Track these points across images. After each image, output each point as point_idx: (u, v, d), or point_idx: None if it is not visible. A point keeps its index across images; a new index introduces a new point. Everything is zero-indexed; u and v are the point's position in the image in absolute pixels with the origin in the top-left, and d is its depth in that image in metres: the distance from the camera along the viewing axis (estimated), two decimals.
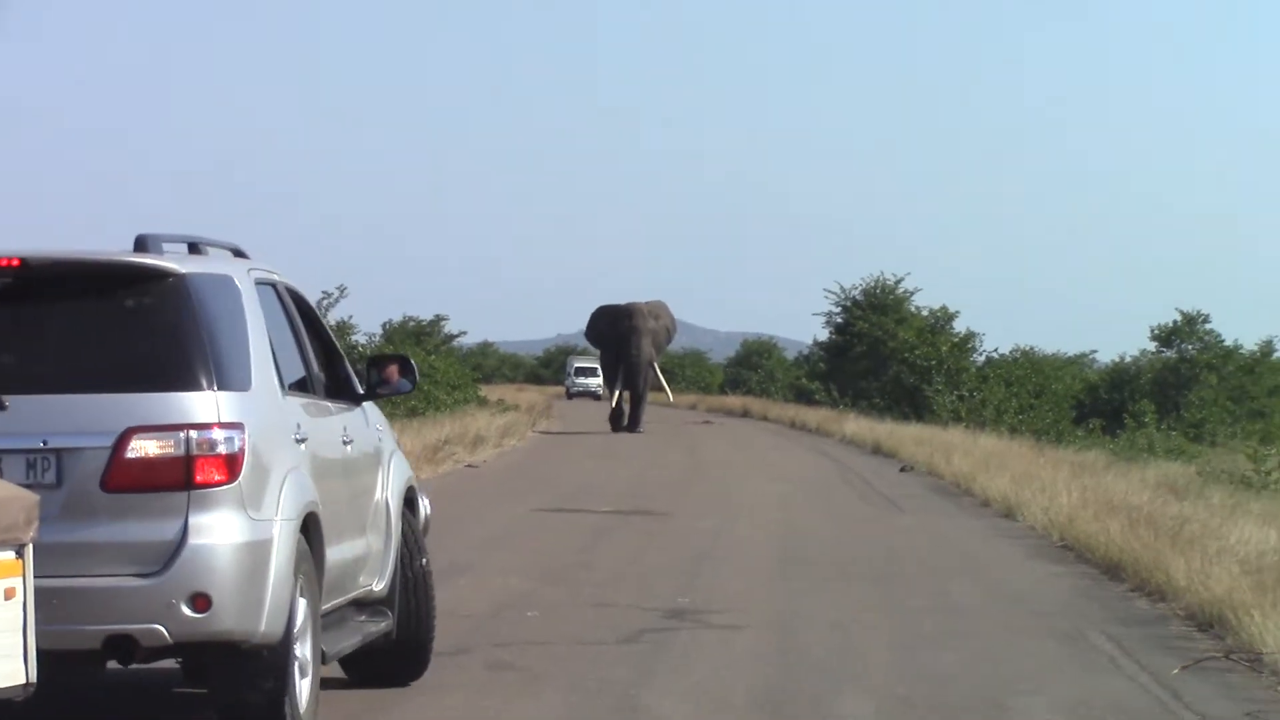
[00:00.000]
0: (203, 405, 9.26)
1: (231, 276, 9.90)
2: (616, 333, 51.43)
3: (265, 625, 9.29)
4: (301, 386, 10.51)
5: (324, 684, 10.69)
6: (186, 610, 9.11)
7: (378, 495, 11.46)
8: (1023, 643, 13.94)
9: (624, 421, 51.36)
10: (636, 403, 51.85)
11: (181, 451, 9.20)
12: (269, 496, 9.52)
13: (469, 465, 35.37)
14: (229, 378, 9.47)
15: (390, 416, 47.15)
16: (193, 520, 9.19)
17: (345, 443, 10.88)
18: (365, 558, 11.17)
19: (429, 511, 12.44)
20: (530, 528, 22.59)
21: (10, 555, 8.26)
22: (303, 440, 10.00)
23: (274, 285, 10.56)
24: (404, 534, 11.62)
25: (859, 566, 18.89)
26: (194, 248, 10.06)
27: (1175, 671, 12.49)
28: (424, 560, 11.75)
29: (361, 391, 11.46)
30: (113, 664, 9.56)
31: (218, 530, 9.22)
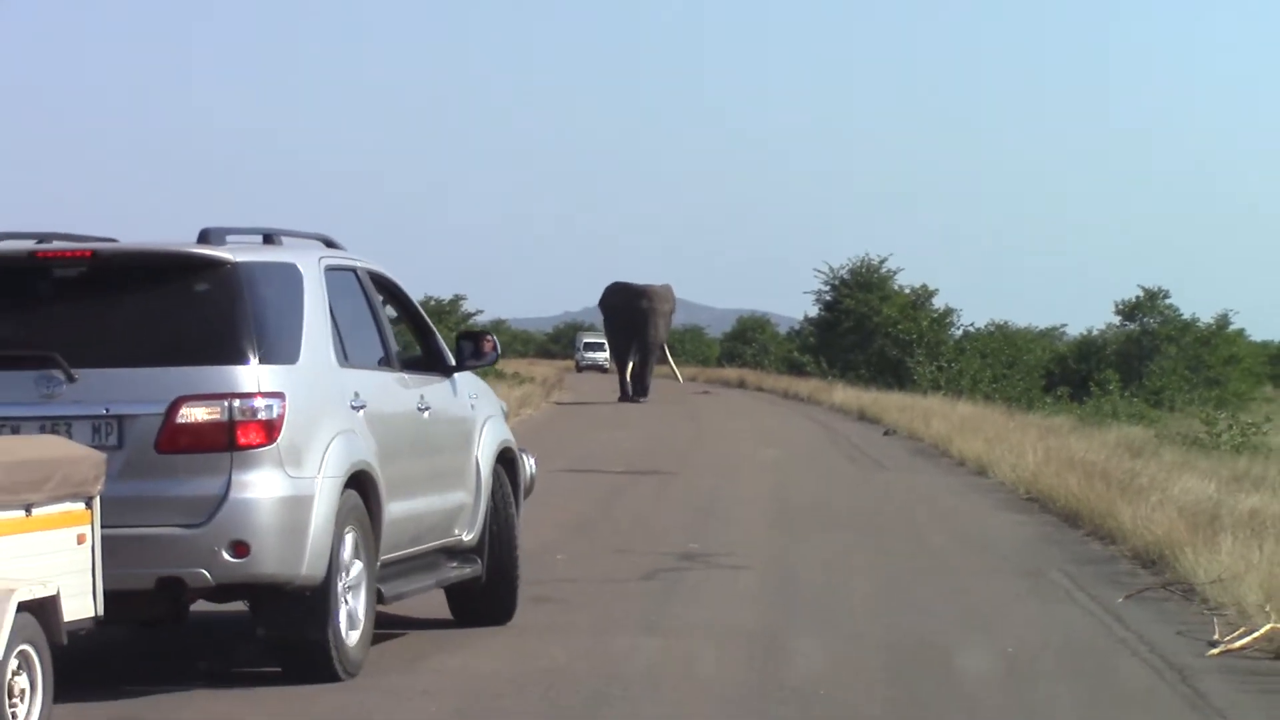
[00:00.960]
0: (245, 377, 9.82)
1: (295, 264, 10.46)
2: (632, 311, 51.89)
3: (306, 569, 9.84)
4: (375, 360, 11.07)
5: (416, 623, 11.76)
6: (227, 556, 9.67)
7: (468, 455, 11.91)
8: (990, 579, 15.00)
9: (630, 392, 52.10)
10: (644, 376, 52.62)
11: (225, 417, 9.74)
12: (311, 456, 10.01)
13: None
14: (273, 352, 9.99)
15: None
16: (235, 477, 9.74)
17: (422, 409, 11.34)
18: (451, 510, 11.69)
19: (533, 471, 13.05)
20: (553, 486, 23.52)
21: (81, 506, 8.84)
22: (361, 407, 10.49)
23: (355, 271, 11.15)
24: (493, 490, 12.06)
25: (846, 518, 19.93)
26: (269, 239, 10.68)
27: (1120, 600, 13.56)
28: (511, 513, 12.17)
29: (453, 364, 11.92)
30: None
31: (258, 486, 9.76)
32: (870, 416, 43.59)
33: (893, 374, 63.17)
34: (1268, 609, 11.80)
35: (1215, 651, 11.36)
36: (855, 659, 11.26)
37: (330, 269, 10.79)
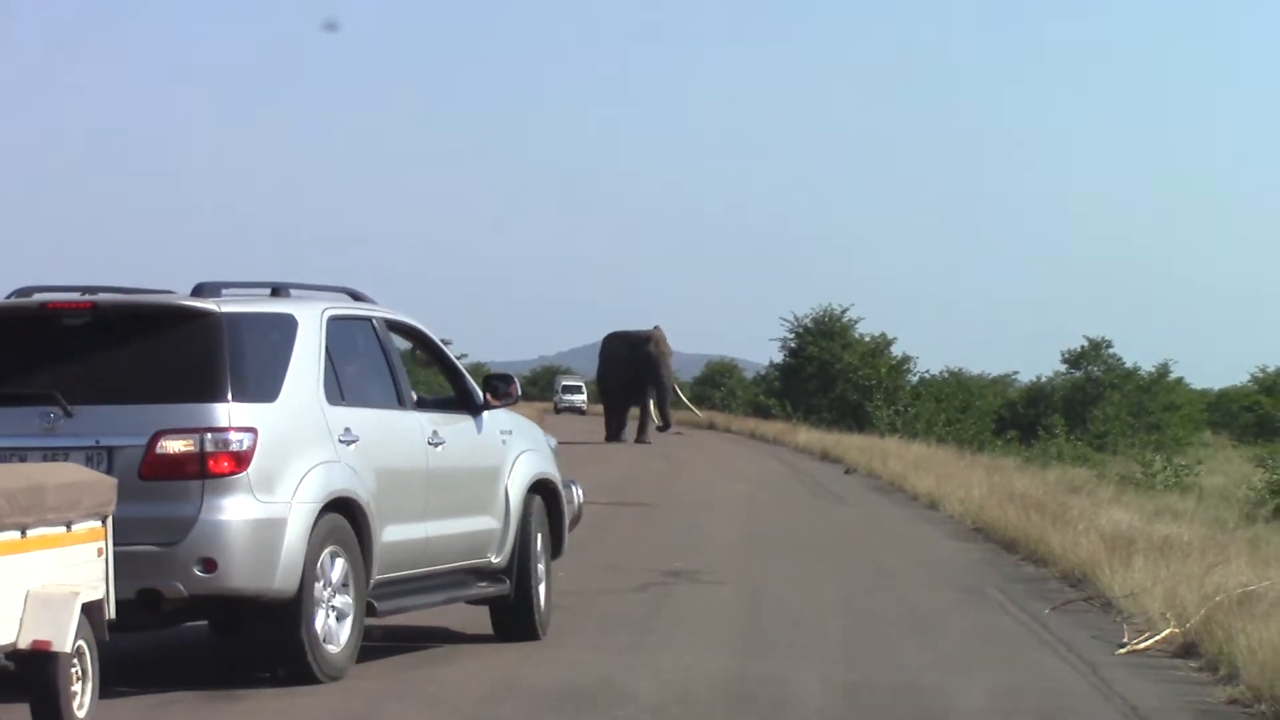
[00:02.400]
0: (219, 413, 10.57)
1: (292, 314, 11.24)
2: (636, 357, 51.68)
3: (278, 583, 10.60)
4: (381, 399, 11.79)
5: (444, 636, 13.05)
6: (198, 571, 10.43)
7: (496, 485, 12.69)
8: (936, 594, 16.60)
9: (641, 434, 51.90)
10: (665, 414, 52.72)
11: (198, 449, 10.50)
12: (285, 484, 10.71)
13: None
14: (250, 392, 10.72)
15: None
16: (206, 501, 10.49)
17: (435, 444, 12.09)
18: (475, 535, 12.49)
19: (581, 500, 13.95)
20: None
21: (99, 524, 9.55)
22: (352, 441, 11.21)
23: (371, 320, 11.95)
24: (523, 517, 12.84)
25: (810, 543, 21.52)
26: (276, 292, 11.56)
27: (1047, 611, 15.17)
28: (530, 538, 12.93)
29: (480, 403, 12.69)
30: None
31: (227, 509, 10.50)
32: (832, 456, 45.04)
33: (853, 417, 64.74)
34: (1169, 616, 13.43)
35: (1123, 651, 12.99)
36: (817, 651, 12.87)
37: (335, 319, 11.56)
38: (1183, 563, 15.93)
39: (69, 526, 9.26)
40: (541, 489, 13.26)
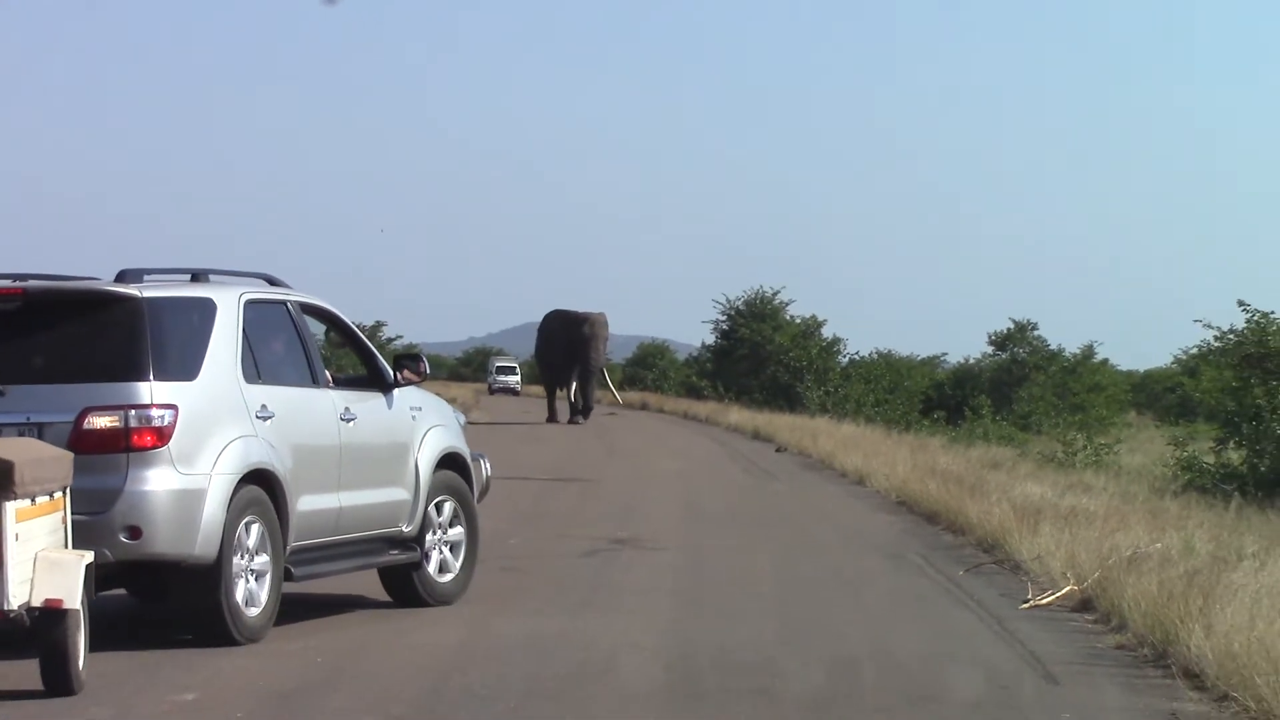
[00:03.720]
0: (141, 391, 11.33)
1: (210, 298, 12.03)
2: (571, 337, 52.42)
3: (199, 549, 11.42)
4: (296, 378, 12.62)
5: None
6: (124, 538, 11.21)
7: (406, 458, 13.49)
8: (861, 560, 18.11)
9: (566, 416, 52.63)
10: (589, 397, 53.36)
11: (122, 424, 11.26)
12: (205, 456, 11.51)
13: None
14: (170, 371, 11.48)
15: None
16: (131, 473, 11.26)
17: (346, 419, 12.93)
18: (387, 505, 13.30)
19: (489, 473, 14.73)
20: (492, 489, 26.51)
21: (60, 494, 10.41)
22: (268, 417, 12.04)
23: (285, 304, 12.77)
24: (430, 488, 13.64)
25: (745, 515, 23.03)
26: (196, 277, 12.33)
27: (961, 573, 16.70)
28: (444, 511, 13.90)
29: (391, 381, 13.52)
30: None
31: (151, 481, 11.28)
32: (764, 436, 46.47)
33: (784, 397, 66.19)
34: (1068, 575, 14.98)
35: (1026, 606, 14.53)
36: (754, 607, 14.37)
37: (251, 302, 12.37)
38: (1086, 529, 17.45)
39: (51, 495, 10.21)
40: (451, 462, 14.03)
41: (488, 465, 14.77)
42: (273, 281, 12.98)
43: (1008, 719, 10.23)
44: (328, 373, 13.28)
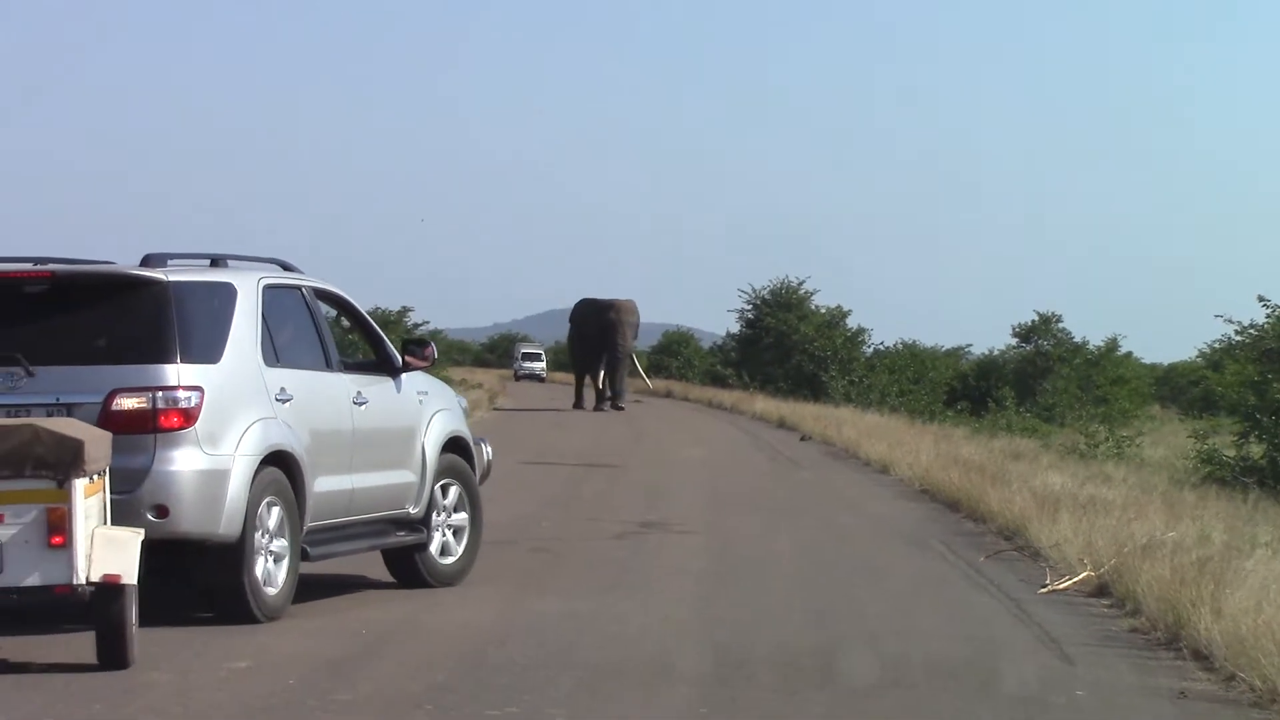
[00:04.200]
0: (169, 373, 11.57)
1: (231, 283, 12.26)
2: (601, 323, 52.41)
3: (223, 528, 11.67)
4: (311, 361, 12.86)
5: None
6: (151, 517, 11.42)
7: (414, 441, 13.78)
8: (884, 546, 18.61)
9: (595, 402, 52.54)
10: (618, 384, 53.05)
11: (150, 405, 11.50)
12: (229, 437, 11.77)
13: None
14: (196, 353, 11.71)
15: None
16: (159, 454, 11.50)
17: (359, 403, 13.20)
18: (396, 487, 13.57)
19: (490, 457, 14.98)
20: (521, 474, 27.07)
21: (102, 474, 10.72)
22: (287, 400, 12.28)
23: (300, 289, 13.03)
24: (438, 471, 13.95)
25: (770, 502, 23.53)
26: (215, 262, 12.51)
27: (981, 559, 17.20)
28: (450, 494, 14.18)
29: (399, 365, 13.77)
30: None
31: (177, 461, 11.53)
32: (789, 424, 46.83)
33: (809, 387, 66.57)
34: (1085, 562, 15.47)
35: (1044, 590, 15.03)
36: (779, 588, 14.89)
37: (270, 287, 12.62)
38: (1104, 518, 17.93)
39: (99, 475, 10.62)
40: (455, 446, 14.33)
41: (489, 449, 15.05)
42: (286, 267, 13.26)
43: (1024, 694, 10.72)
44: (339, 357, 13.54)
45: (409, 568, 14.14)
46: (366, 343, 14.23)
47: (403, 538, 13.75)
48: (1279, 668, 10.46)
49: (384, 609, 13.15)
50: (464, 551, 14.47)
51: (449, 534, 14.36)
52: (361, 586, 14.40)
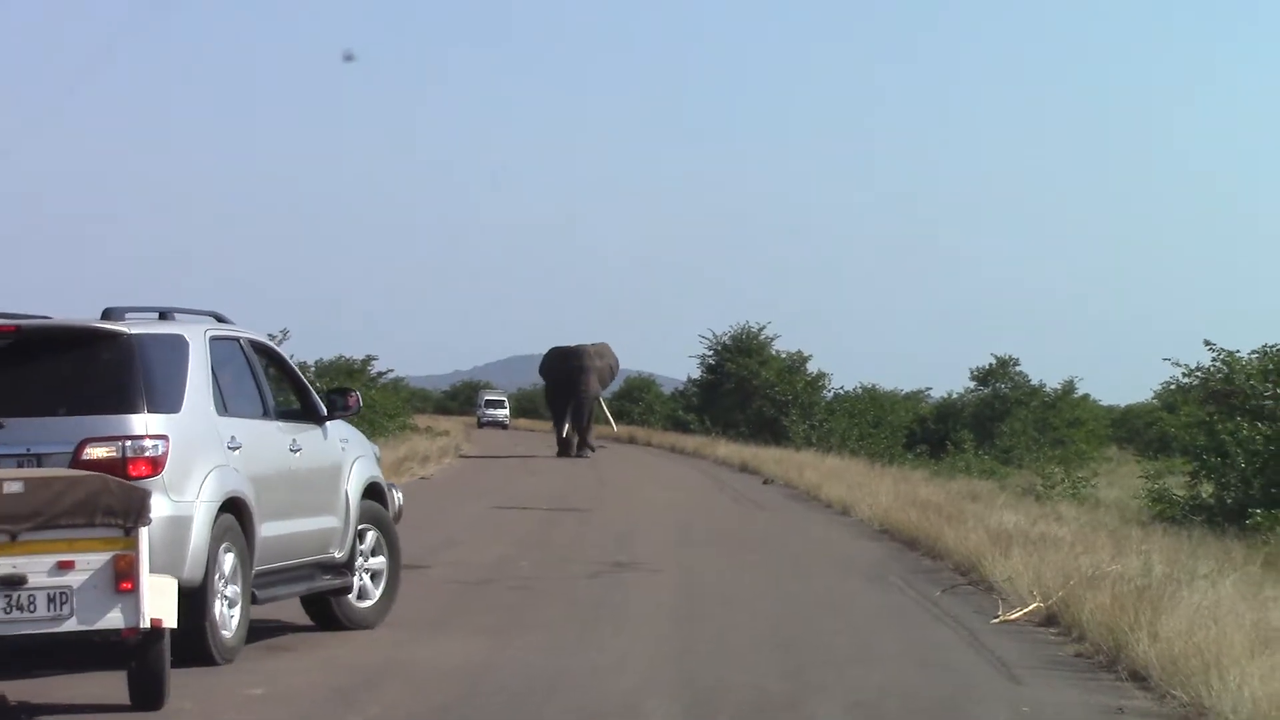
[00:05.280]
0: (136, 423, 11.89)
1: (182, 334, 12.62)
2: (566, 370, 53.94)
3: (187, 573, 11.92)
4: (252, 411, 13.24)
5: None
6: None
7: (338, 488, 14.23)
8: (846, 581, 19.63)
9: (570, 449, 53.76)
10: (584, 431, 54.56)
11: (120, 455, 11.79)
12: (191, 485, 12.08)
13: (422, 478, 40.45)
14: (160, 404, 12.03)
15: None
16: None
17: (294, 450, 13.62)
18: (324, 532, 13.99)
19: (400, 503, 15.45)
20: (495, 518, 28.11)
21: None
22: (237, 448, 12.65)
23: (238, 340, 13.39)
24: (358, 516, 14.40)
25: (735, 542, 24.54)
26: (164, 315, 12.84)
27: (938, 593, 18.23)
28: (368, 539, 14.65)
29: (324, 414, 14.26)
30: None
31: None
32: (751, 468, 47.91)
33: (770, 431, 67.66)
34: (1035, 593, 16.51)
35: (996, 620, 16.07)
36: (747, 621, 15.89)
37: (214, 339, 12.99)
38: (1053, 553, 18.99)
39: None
40: (372, 491, 14.83)
41: (400, 495, 15.57)
42: (220, 319, 13.56)
43: (974, 712, 11.73)
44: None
45: (326, 611, 14.64)
46: (293, 392, 14.61)
47: (329, 581, 14.17)
48: (1207, 684, 11.49)
49: (372, 646, 14.01)
50: (382, 594, 14.97)
51: (366, 578, 14.83)
52: (330, 628, 14.94)
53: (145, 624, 10.42)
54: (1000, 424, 70.04)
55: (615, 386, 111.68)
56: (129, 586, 10.39)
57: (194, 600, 12.07)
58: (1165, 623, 13.34)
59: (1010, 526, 23.00)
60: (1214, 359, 32.26)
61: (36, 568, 10.31)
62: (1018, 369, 74.05)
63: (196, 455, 12.27)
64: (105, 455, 11.78)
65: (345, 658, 13.30)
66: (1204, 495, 33.06)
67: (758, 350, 75.01)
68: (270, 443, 13.39)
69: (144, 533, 10.48)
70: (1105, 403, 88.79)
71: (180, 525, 12.05)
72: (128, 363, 12.05)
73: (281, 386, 14.92)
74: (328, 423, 14.35)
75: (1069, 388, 74.01)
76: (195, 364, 12.56)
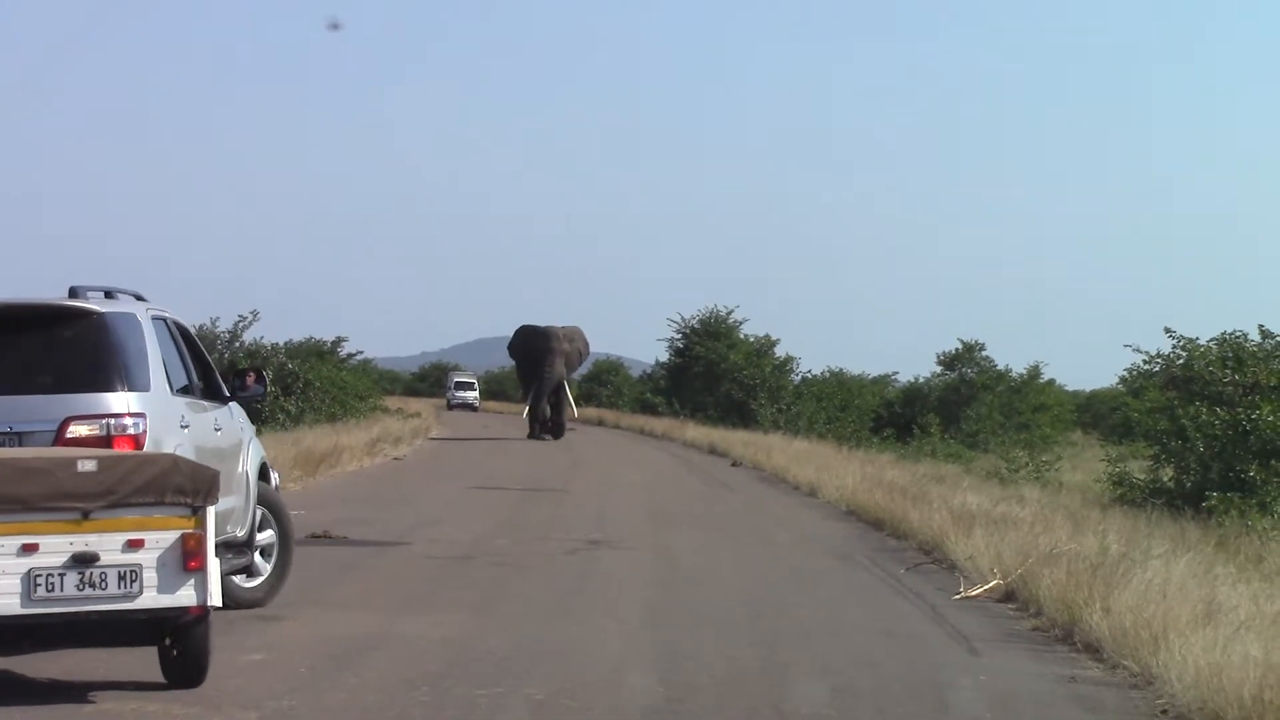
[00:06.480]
0: (118, 401, 12.00)
1: (135, 314, 12.64)
2: (534, 351, 54.52)
3: None
4: (184, 390, 13.33)
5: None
6: None
7: (240, 468, 14.34)
8: (815, 560, 20.36)
9: (535, 429, 54.33)
10: (557, 412, 55.08)
11: (103, 432, 11.89)
12: None
13: (396, 458, 41.07)
14: (135, 382, 12.14)
15: (314, 423, 51.93)
16: None
17: (216, 430, 13.81)
18: (229, 511, 13.79)
19: (278, 482, 15.79)
20: (471, 498, 28.77)
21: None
22: (186, 427, 12.84)
23: (165, 319, 13.36)
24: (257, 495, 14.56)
25: (706, 522, 25.27)
26: (109, 294, 12.81)
27: (903, 571, 18.97)
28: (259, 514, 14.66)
29: (227, 394, 14.41)
30: None
31: None
32: (720, 451, 48.66)
33: (738, 414, 68.31)
34: (995, 571, 17.25)
35: (958, 596, 16.81)
36: (719, 593, 16.61)
37: (154, 318, 13.02)
38: (1014, 533, 19.73)
39: None
40: (261, 472, 15.00)
41: (276, 476, 15.82)
42: (139, 298, 13.39)
43: (936, 679, 12.45)
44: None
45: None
46: (199, 371, 14.30)
47: (232, 560, 14.08)
48: (1155, 655, 12.22)
49: (360, 618, 14.58)
50: (270, 573, 15.01)
51: (257, 556, 14.87)
52: (354, 601, 15.85)
53: (215, 602, 10.56)
54: (966, 408, 70.67)
55: (584, 369, 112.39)
56: (197, 565, 10.47)
57: None
58: (1117, 598, 14.07)
59: (973, 508, 23.74)
60: (1174, 346, 33.00)
61: (108, 546, 10.32)
62: (984, 354, 74.68)
63: (164, 434, 12.44)
64: (89, 433, 11.92)
65: (336, 629, 13.91)
66: (1164, 479, 33.85)
67: (726, 334, 75.48)
68: (203, 422, 13.59)
69: (210, 511, 10.57)
70: (1071, 388, 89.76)
71: None
72: (104, 341, 12.21)
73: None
74: (231, 403, 14.53)
75: (1035, 373, 74.65)
76: (150, 343, 12.67)
